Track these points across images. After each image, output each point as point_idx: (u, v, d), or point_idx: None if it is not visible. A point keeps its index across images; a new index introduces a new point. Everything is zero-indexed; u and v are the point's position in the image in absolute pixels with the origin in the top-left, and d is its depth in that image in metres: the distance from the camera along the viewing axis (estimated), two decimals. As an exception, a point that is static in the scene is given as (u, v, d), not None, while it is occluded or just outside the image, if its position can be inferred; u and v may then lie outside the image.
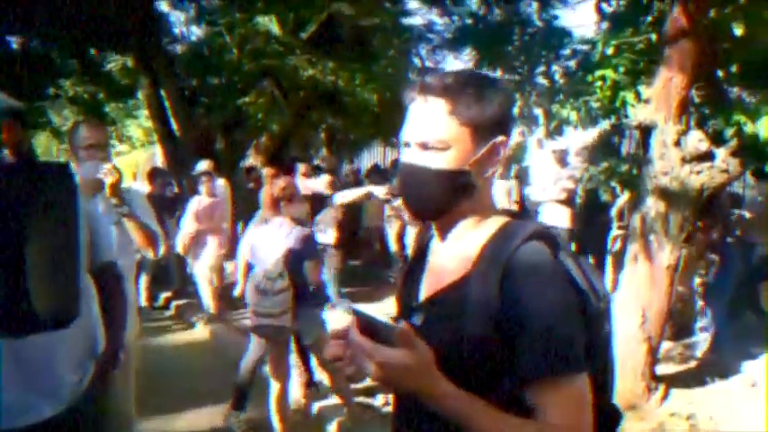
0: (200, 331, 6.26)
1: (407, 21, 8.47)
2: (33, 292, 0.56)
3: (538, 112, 4.55)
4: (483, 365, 1.02)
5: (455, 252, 1.13)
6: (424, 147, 1.08)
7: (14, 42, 8.56)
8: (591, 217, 6.18)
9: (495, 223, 1.11)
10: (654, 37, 3.89)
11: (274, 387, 3.55)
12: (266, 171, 4.20)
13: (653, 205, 3.77)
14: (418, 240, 1.31)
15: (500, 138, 1.09)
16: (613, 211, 6.14)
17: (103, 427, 2.05)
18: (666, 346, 4.84)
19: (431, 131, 1.07)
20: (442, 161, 1.07)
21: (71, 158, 2.93)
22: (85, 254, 2.03)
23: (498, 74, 5.44)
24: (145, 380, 3.14)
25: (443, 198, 1.09)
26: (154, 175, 7.58)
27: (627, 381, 3.85)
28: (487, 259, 1.05)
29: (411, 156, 1.10)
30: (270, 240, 3.50)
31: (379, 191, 4.87)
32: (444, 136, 1.06)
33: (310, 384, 4.27)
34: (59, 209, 0.60)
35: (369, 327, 1.00)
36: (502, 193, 6.43)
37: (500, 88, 1.11)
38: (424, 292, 1.17)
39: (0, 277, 0.54)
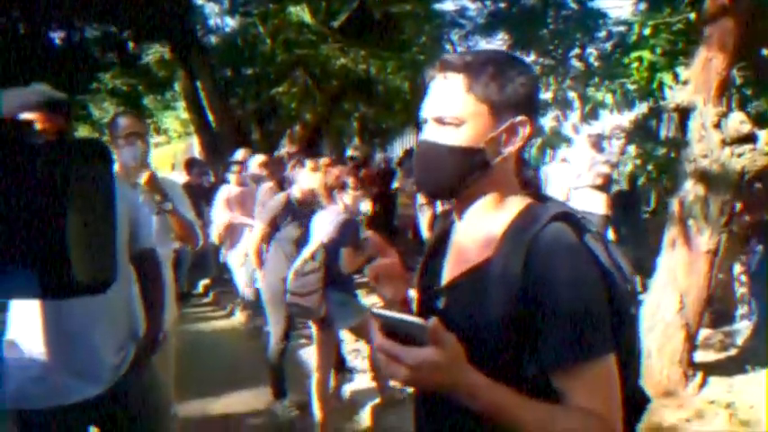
0: (237, 317, 6.40)
1: (439, 6, 8.40)
2: (74, 259, 0.60)
3: (572, 96, 4.46)
4: (507, 350, 1.00)
5: (476, 234, 1.11)
6: (440, 122, 1.07)
7: (57, 38, 8.83)
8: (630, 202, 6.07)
9: (516, 205, 1.10)
10: (693, 16, 3.77)
11: (316, 374, 3.61)
12: (322, 161, 4.25)
13: (692, 189, 3.67)
14: (440, 224, 1.29)
15: (520, 117, 1.07)
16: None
17: (143, 409, 2.13)
18: (706, 333, 4.74)
19: (447, 106, 1.06)
20: (457, 137, 1.06)
21: (111, 148, 3.05)
22: (126, 241, 2.11)
23: (532, 58, 5.36)
24: (183, 365, 3.24)
25: (455, 175, 1.07)
26: (191, 165, 7.75)
27: (664, 367, 3.79)
28: (510, 242, 1.03)
29: (427, 132, 1.10)
30: (320, 226, 3.59)
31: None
32: (460, 111, 1.05)
33: (342, 369, 4.34)
34: (96, 180, 0.64)
35: (393, 327, 0.93)
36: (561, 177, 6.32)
37: (523, 68, 1.09)
38: (447, 275, 1.16)
39: (44, 245, 0.59)
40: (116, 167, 3.00)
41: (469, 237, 1.13)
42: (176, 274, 6.58)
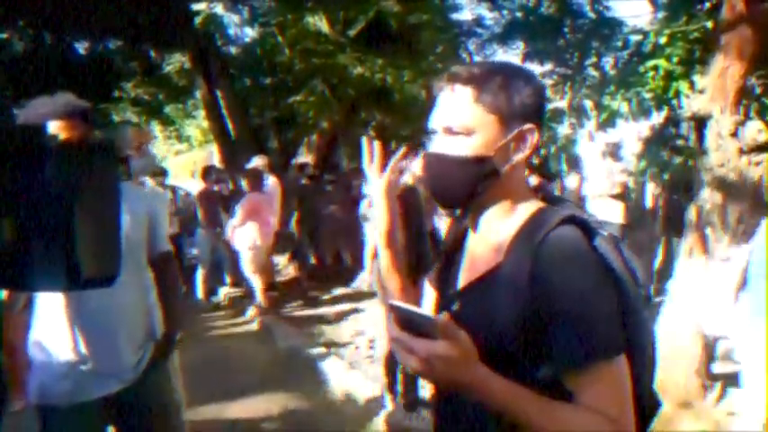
0: (252, 322, 6.45)
1: (456, 16, 8.45)
2: (81, 254, 0.64)
3: (588, 104, 4.46)
4: (518, 352, 1.02)
5: (489, 240, 1.13)
6: (450, 131, 1.09)
7: (81, 48, 9.04)
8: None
9: (527, 210, 1.11)
10: (710, 24, 3.76)
11: None
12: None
13: (709, 197, 3.65)
14: (453, 230, 1.30)
15: (527, 125, 1.09)
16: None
17: (158, 407, 2.18)
18: (725, 344, 4.67)
19: (456, 117, 1.09)
20: (466, 147, 1.08)
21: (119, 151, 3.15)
22: (145, 243, 2.17)
23: (548, 67, 5.36)
24: (197, 369, 3.26)
25: (466, 184, 1.09)
26: (208, 172, 7.86)
27: (681, 377, 3.75)
28: (519, 246, 1.05)
29: (436, 143, 1.12)
30: None
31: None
32: (469, 122, 1.07)
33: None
34: (102, 179, 0.69)
35: (408, 320, 0.98)
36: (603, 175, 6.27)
37: (530, 78, 1.11)
38: (462, 281, 1.18)
39: (53, 241, 0.63)
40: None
41: (482, 242, 1.15)
42: (189, 281, 6.69)
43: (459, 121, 1.08)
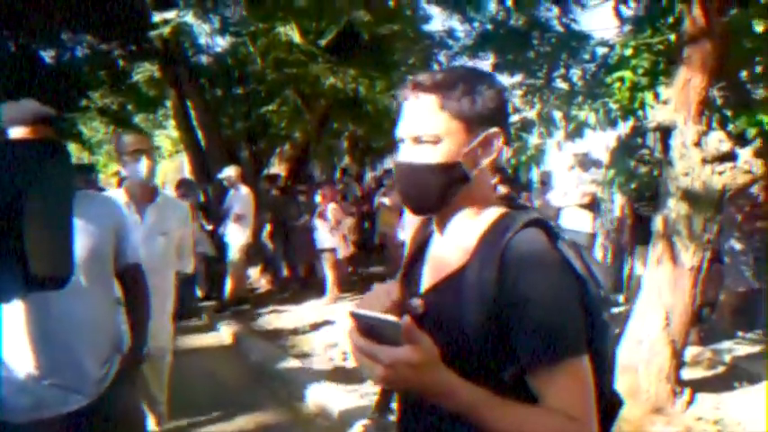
0: (223, 335, 6.36)
1: (427, 27, 8.51)
2: (31, 255, 0.62)
3: (557, 115, 4.54)
4: (484, 355, 1.02)
5: (454, 243, 1.14)
6: (417, 141, 1.10)
7: (47, 57, 8.83)
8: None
9: (492, 214, 1.13)
10: (673, 38, 3.86)
11: None
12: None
13: (674, 207, 3.73)
14: (418, 235, 1.31)
15: (493, 129, 1.11)
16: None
17: (126, 422, 2.12)
18: (694, 350, 4.77)
19: (423, 125, 1.10)
20: (435, 154, 1.09)
21: (118, 165, 3.16)
22: (111, 255, 2.12)
23: (518, 78, 5.44)
24: (176, 384, 3.20)
25: (438, 191, 1.10)
26: (179, 185, 7.78)
27: (651, 384, 3.81)
28: (484, 248, 1.06)
29: (405, 152, 1.13)
30: None
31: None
32: (436, 129, 1.09)
33: None
34: (53, 178, 0.67)
35: (370, 328, 0.96)
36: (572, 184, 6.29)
37: (491, 82, 1.13)
38: (425, 284, 1.18)
39: (1, 241, 0.61)
40: (124, 186, 3.06)
41: (447, 246, 1.16)
42: (182, 293, 6.61)
43: (426, 129, 1.09)
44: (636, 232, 5.88)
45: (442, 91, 1.09)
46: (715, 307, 5.48)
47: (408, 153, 1.12)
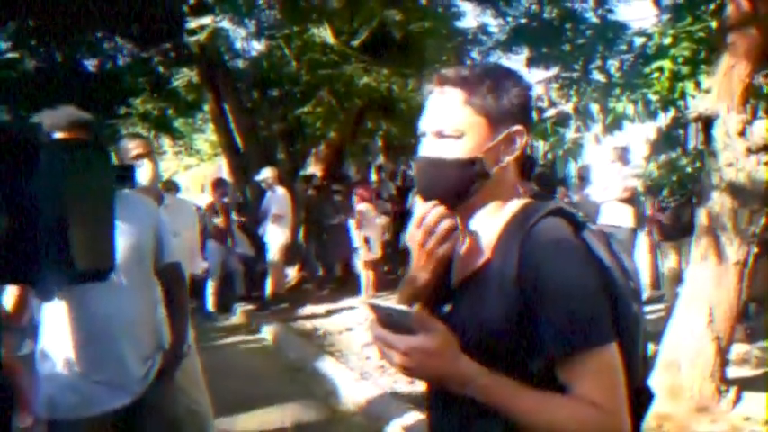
0: (263, 333, 6.45)
1: (459, 24, 8.46)
2: (75, 249, 0.65)
3: (594, 107, 4.44)
4: (511, 347, 1.01)
5: (478, 239, 1.14)
6: (440, 135, 1.10)
7: (90, 66, 9.16)
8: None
9: (514, 206, 1.12)
10: (714, 24, 3.74)
11: None
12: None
13: (718, 199, 3.61)
14: None
15: (516, 127, 1.10)
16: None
17: (170, 418, 2.17)
18: (741, 348, 4.61)
19: (446, 120, 1.10)
20: (456, 149, 1.09)
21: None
22: (152, 254, 2.18)
23: (553, 71, 5.36)
24: (206, 381, 3.24)
25: (457, 186, 1.10)
26: (217, 185, 7.95)
27: (695, 382, 3.69)
28: (506, 239, 1.06)
29: (427, 146, 1.13)
30: None
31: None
32: (459, 124, 1.08)
33: None
34: (95, 177, 0.70)
35: (389, 318, 0.99)
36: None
37: (517, 80, 1.13)
38: (454, 281, 1.18)
39: (48, 235, 0.64)
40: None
41: (473, 241, 1.16)
42: (197, 295, 6.76)
43: (449, 123, 1.09)
44: (662, 229, 5.73)
45: (468, 86, 1.09)
46: (763, 303, 5.28)
47: (430, 147, 1.12)
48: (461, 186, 1.10)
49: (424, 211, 1.12)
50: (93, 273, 0.70)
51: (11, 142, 0.63)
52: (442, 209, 1.11)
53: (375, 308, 1.01)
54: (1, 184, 0.63)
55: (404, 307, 0.98)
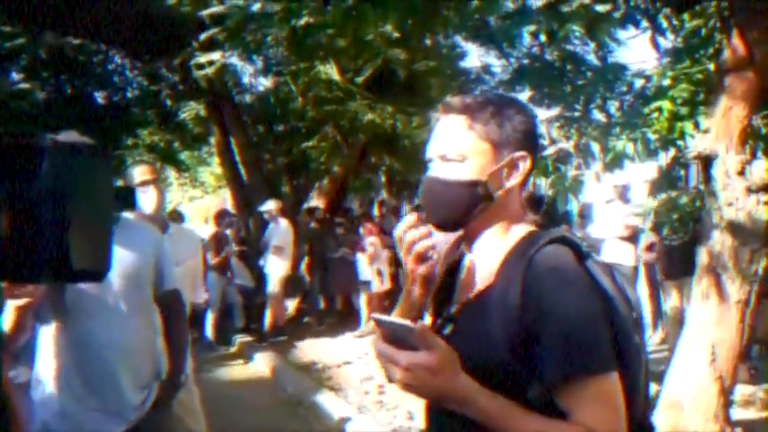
0: (261, 366, 6.38)
1: (463, 64, 8.62)
2: (72, 248, 0.67)
3: (595, 146, 4.50)
4: (511, 371, 1.01)
5: (482, 263, 1.15)
6: (444, 159, 1.13)
7: (99, 98, 9.33)
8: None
9: (519, 232, 1.14)
10: (712, 67, 3.82)
11: None
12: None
13: (719, 238, 3.61)
14: (449, 256, 1.33)
15: (519, 153, 1.13)
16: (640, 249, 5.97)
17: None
18: (746, 390, 4.55)
19: (450, 144, 1.13)
20: (461, 172, 1.11)
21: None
22: (151, 281, 2.19)
23: (555, 111, 5.43)
24: (206, 413, 3.20)
25: (461, 207, 1.12)
26: (221, 215, 7.99)
27: (698, 422, 3.63)
28: (509, 265, 1.07)
29: (432, 170, 1.16)
30: None
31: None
32: (462, 149, 1.11)
33: None
34: (94, 177, 0.72)
35: (393, 333, 0.99)
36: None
37: (520, 107, 1.16)
38: (455, 303, 1.19)
39: (45, 233, 0.66)
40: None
41: (476, 265, 1.17)
42: (197, 324, 6.72)
43: (453, 148, 1.12)
44: (664, 267, 5.72)
45: (471, 113, 1.12)
46: (767, 345, 5.23)
47: (435, 170, 1.15)
48: (464, 207, 1.12)
49: (400, 232, 1.15)
50: (90, 273, 0.71)
51: (11, 143, 0.66)
52: (423, 230, 1.14)
53: (379, 322, 1.01)
54: (1, 184, 0.66)
55: (407, 322, 0.97)
